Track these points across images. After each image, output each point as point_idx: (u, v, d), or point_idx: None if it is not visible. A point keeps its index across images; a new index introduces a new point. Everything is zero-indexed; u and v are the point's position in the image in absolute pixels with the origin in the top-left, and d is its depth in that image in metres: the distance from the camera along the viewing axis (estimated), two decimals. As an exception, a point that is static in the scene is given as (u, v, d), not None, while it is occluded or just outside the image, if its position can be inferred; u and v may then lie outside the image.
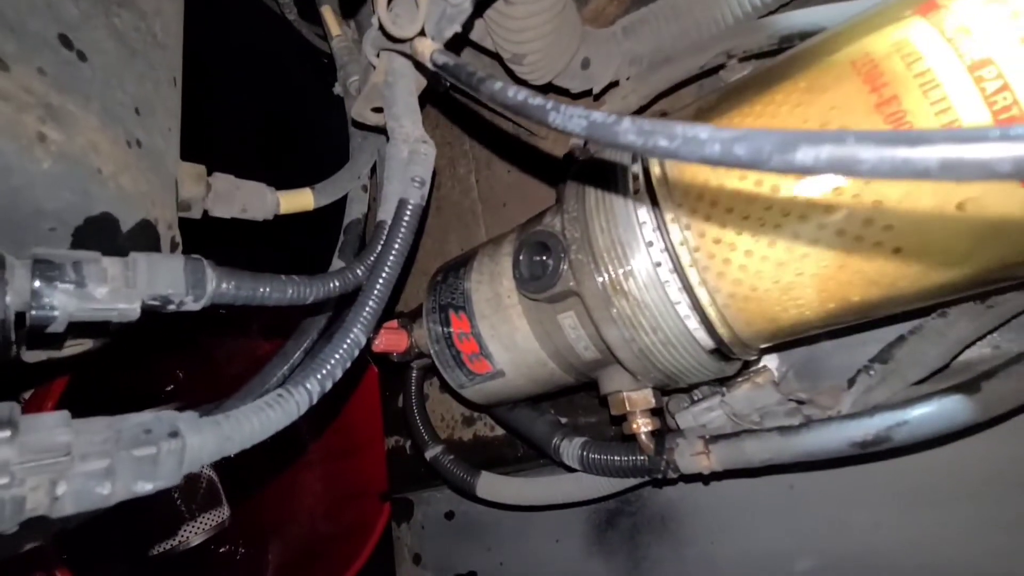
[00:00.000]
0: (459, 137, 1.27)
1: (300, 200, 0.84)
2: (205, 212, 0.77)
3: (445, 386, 0.86)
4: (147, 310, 0.44)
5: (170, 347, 1.82)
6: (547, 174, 1.08)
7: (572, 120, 0.29)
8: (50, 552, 0.98)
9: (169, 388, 1.88)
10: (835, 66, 0.48)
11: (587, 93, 0.85)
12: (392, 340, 0.88)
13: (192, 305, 0.46)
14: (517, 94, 0.34)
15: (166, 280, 0.44)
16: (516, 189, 1.17)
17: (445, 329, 0.80)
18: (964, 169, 0.17)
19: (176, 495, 1.72)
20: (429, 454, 0.99)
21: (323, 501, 1.87)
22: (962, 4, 0.42)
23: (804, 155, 0.20)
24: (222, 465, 1.85)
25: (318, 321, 0.84)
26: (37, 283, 0.38)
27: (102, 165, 0.49)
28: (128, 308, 0.42)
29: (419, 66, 0.54)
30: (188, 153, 0.76)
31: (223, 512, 1.77)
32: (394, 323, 0.91)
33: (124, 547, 1.75)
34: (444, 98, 1.24)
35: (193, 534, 1.71)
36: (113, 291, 0.41)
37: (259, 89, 1.45)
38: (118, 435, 0.36)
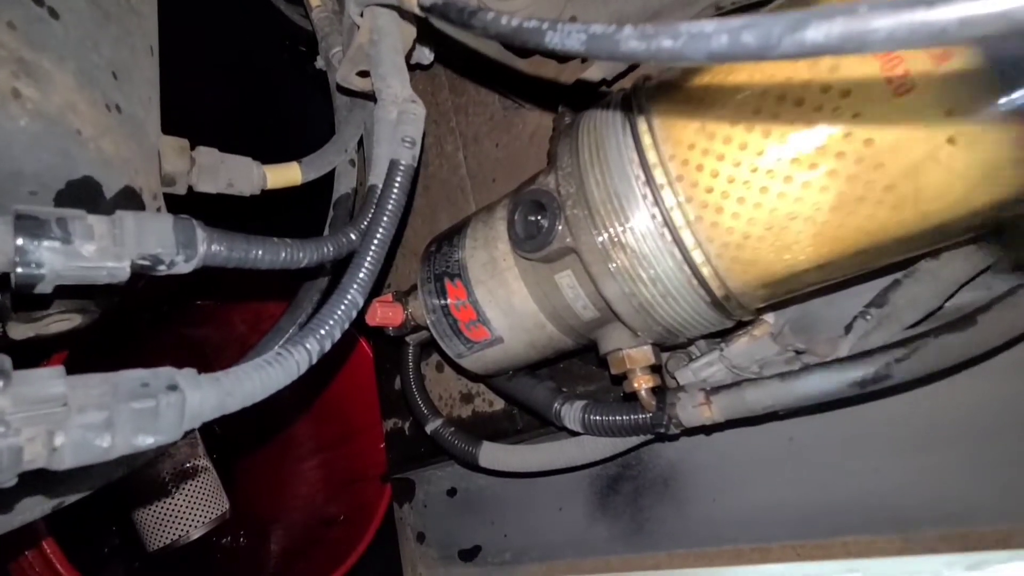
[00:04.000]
0: (445, 115, 1.25)
1: (287, 174, 0.83)
2: (190, 188, 0.75)
3: (444, 357, 0.85)
4: (137, 271, 0.43)
5: (159, 342, 1.79)
6: (535, 147, 1.07)
7: (571, 37, 0.29)
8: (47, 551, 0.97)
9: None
10: None
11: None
12: (388, 313, 0.87)
13: (183, 266, 0.45)
14: (511, 20, 0.33)
15: (155, 239, 0.43)
16: (504, 164, 1.16)
17: (441, 299, 0.79)
18: (986, 22, 0.16)
19: (174, 489, 1.70)
20: (430, 428, 0.98)
21: (323, 488, 1.87)
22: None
23: (816, 32, 0.20)
24: (220, 457, 1.84)
25: (312, 294, 0.83)
26: (20, 240, 0.37)
27: (81, 126, 0.47)
28: (117, 267, 0.41)
29: (405, 16, 0.53)
30: (168, 131, 0.74)
31: (223, 504, 1.76)
32: (389, 296, 0.90)
33: (124, 545, 1.74)
34: (429, 76, 1.22)
35: (193, 527, 1.70)
36: (101, 249, 0.40)
37: (239, 69, 1.42)
38: (115, 388, 0.35)
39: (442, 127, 1.28)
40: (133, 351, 1.66)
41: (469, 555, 1.20)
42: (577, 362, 0.99)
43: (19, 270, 0.37)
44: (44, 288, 0.39)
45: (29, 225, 0.37)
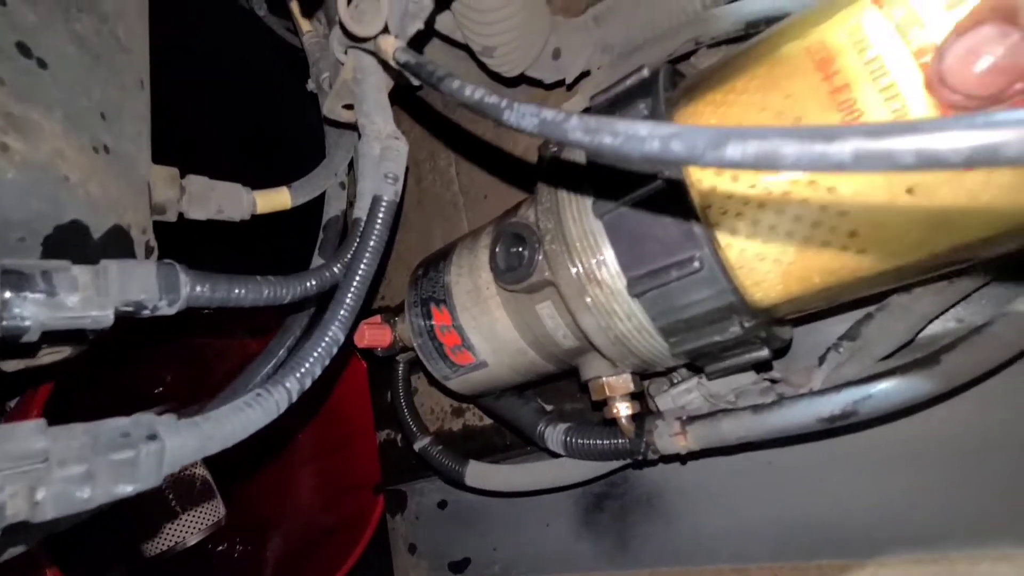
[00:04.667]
0: (438, 129, 1.27)
1: (277, 199, 0.84)
2: (181, 215, 0.77)
3: (430, 379, 0.87)
4: (121, 315, 0.45)
5: (158, 349, 1.81)
6: (526, 165, 1.09)
7: (525, 119, 0.30)
8: (41, 558, 0.99)
9: (158, 390, 1.88)
10: (791, 54, 0.49)
11: (560, 83, 0.85)
12: (376, 335, 0.89)
13: (167, 309, 0.47)
14: (474, 92, 0.34)
15: (138, 286, 0.45)
16: (496, 182, 1.17)
17: (427, 322, 0.81)
18: (873, 161, 0.18)
19: (170, 496, 1.72)
20: (418, 445, 1.00)
21: (318, 495, 1.88)
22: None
23: (733, 151, 0.21)
24: (216, 464, 1.86)
25: (301, 319, 0.85)
26: (7, 294, 0.38)
27: (69, 172, 0.49)
28: (101, 315, 0.42)
29: (385, 64, 0.55)
30: (162, 156, 0.76)
31: (219, 511, 1.77)
32: (377, 318, 0.91)
33: (120, 551, 1.76)
34: (423, 91, 1.23)
35: (189, 534, 1.71)
36: (85, 299, 0.42)
37: (233, 88, 1.44)
38: (96, 440, 0.36)
39: (435, 142, 1.29)
40: (131, 360, 1.67)
41: (459, 567, 1.22)
42: (564, 379, 1.01)
43: (5, 323, 0.39)
44: (30, 338, 0.40)
45: (14, 279, 0.39)
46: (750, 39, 0.64)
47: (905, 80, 0.42)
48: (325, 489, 1.86)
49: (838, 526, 0.77)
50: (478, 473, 0.91)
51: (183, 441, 0.39)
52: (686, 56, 0.76)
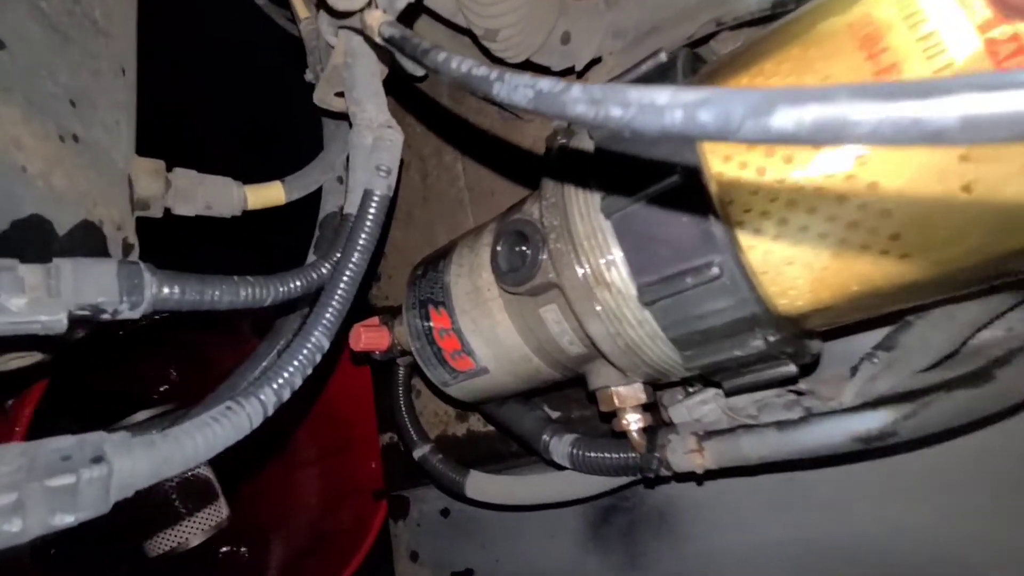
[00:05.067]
0: (444, 123, 1.22)
1: (269, 194, 0.80)
2: (168, 211, 0.73)
3: (429, 385, 0.82)
4: (77, 320, 0.40)
5: (161, 348, 1.79)
6: (535, 161, 1.04)
7: (518, 91, 0.25)
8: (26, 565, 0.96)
9: (163, 389, 1.86)
10: (830, 31, 0.44)
11: (569, 71, 0.80)
12: (372, 338, 0.84)
13: (129, 313, 0.43)
14: (460, 65, 0.29)
15: (96, 287, 0.40)
16: (504, 177, 1.12)
17: (425, 325, 0.76)
18: (994, 126, 0.13)
19: (174, 496, 1.70)
20: (417, 454, 0.96)
21: (322, 499, 1.86)
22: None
23: (784, 118, 0.16)
24: (219, 465, 1.83)
25: (292, 321, 0.81)
26: (-59, 296, 0.34)
27: (27, 162, 0.44)
28: (51, 320, 0.38)
29: (377, 48, 0.50)
30: (154, 149, 0.72)
31: (221, 512, 1.75)
32: (375, 320, 0.87)
33: (123, 551, 1.74)
34: (428, 83, 1.19)
35: (193, 535, 1.69)
36: (33, 302, 0.37)
37: (233, 80, 1.40)
38: (31, 463, 0.32)
39: (441, 137, 1.24)
40: (134, 359, 1.65)
41: (461, 578, 1.17)
42: (573, 387, 0.96)
43: (-60, 328, 0.34)
44: (-29, 344, 0.36)
45: (-51, 280, 0.35)
46: (778, 19, 0.58)
47: (967, 57, 0.36)
48: (328, 492, 1.84)
49: (862, 552, 0.71)
50: (479, 485, 0.86)
51: (135, 463, 0.35)
52: (706, 39, 0.70)
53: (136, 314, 0.43)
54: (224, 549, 1.88)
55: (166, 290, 0.44)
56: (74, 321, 0.40)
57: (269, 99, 1.50)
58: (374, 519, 1.53)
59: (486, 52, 0.74)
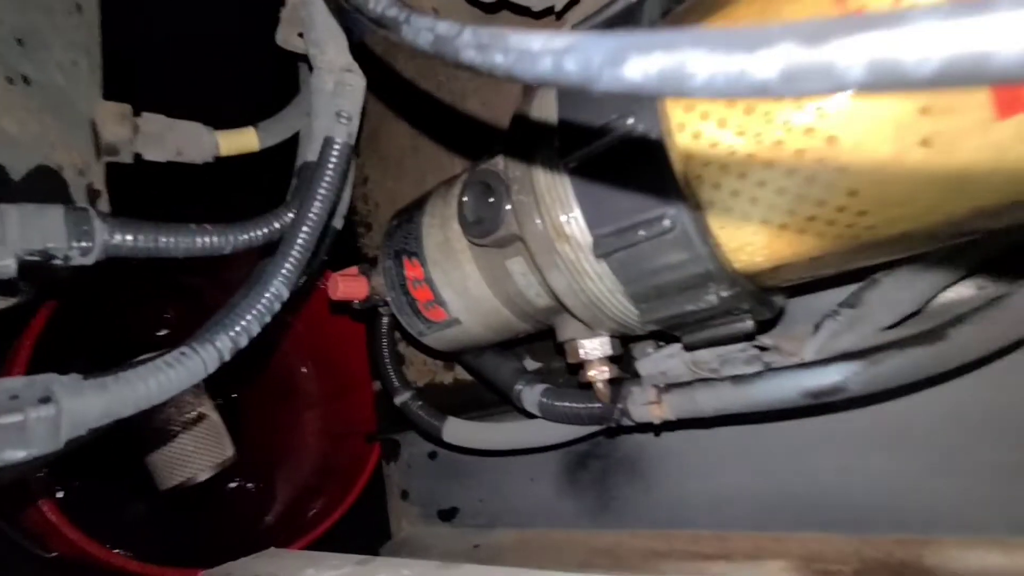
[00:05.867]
0: (430, 70, 1.18)
1: (242, 140, 0.79)
2: (138, 157, 0.72)
3: (405, 335, 0.83)
4: (29, 266, 0.41)
5: (160, 290, 1.82)
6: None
7: (421, 35, 0.24)
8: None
9: (163, 332, 1.91)
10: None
11: (549, 11, 0.76)
12: (351, 287, 0.85)
13: (81, 259, 0.43)
14: (376, 5, 0.28)
15: (43, 233, 0.41)
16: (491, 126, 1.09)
17: (400, 275, 0.77)
18: (807, 79, 0.12)
19: (181, 434, 1.78)
20: (398, 400, 0.99)
21: (322, 439, 1.94)
22: None
23: (633, 69, 0.15)
24: (226, 404, 1.91)
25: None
26: None
27: (-28, 106, 0.44)
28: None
29: (322, -20, 0.47)
30: (130, 95, 0.70)
31: (227, 450, 1.84)
32: (353, 269, 0.87)
33: (134, 486, 1.85)
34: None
35: (200, 470, 1.79)
36: (-22, 246, 0.38)
37: (208, 20, 1.34)
38: (-20, 402, 0.34)
39: (428, 83, 1.20)
40: (130, 302, 1.69)
41: (448, 515, 1.24)
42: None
43: None
44: (-80, 288, 0.37)
45: None
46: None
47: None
48: (328, 434, 1.92)
49: (823, 501, 0.73)
50: (455, 430, 0.89)
51: (85, 404, 0.36)
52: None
53: (89, 260, 0.44)
54: (232, 484, 1.99)
55: (118, 236, 0.45)
56: (25, 266, 0.41)
57: (248, 42, 1.45)
58: (369, 460, 1.60)
59: (461, -10, 0.70)
